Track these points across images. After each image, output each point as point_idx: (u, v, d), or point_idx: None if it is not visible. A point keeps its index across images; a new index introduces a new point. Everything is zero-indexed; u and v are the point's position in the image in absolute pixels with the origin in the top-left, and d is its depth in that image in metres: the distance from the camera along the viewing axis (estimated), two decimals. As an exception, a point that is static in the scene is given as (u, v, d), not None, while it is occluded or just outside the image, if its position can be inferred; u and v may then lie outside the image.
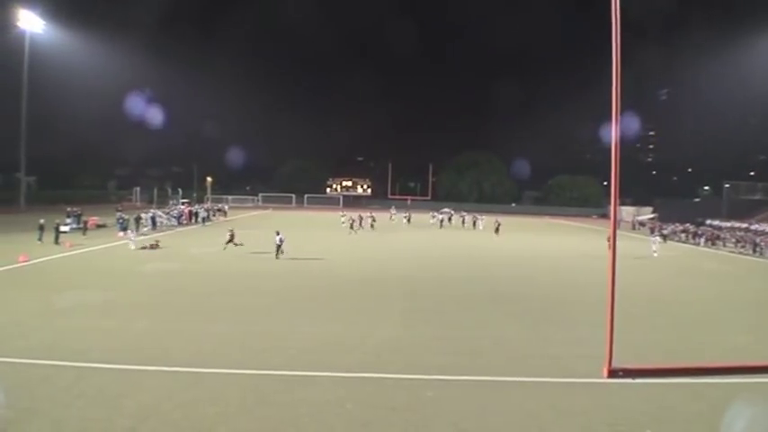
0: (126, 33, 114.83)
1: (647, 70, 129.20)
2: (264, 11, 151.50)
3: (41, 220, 45.34)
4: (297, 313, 23.63)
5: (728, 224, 74.82)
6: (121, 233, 50.83)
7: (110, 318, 21.54)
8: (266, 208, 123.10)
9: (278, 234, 40.25)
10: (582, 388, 15.47)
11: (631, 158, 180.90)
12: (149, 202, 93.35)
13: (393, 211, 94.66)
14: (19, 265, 33.31)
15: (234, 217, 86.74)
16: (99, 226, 57.86)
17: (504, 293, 29.53)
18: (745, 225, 70.95)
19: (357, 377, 15.76)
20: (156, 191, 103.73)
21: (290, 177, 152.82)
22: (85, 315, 21.87)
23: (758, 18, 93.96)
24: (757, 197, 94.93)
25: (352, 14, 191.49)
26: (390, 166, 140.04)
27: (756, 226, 69.63)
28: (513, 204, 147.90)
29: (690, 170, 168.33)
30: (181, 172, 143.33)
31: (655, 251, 48.96)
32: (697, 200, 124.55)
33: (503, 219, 79.83)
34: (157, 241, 44.66)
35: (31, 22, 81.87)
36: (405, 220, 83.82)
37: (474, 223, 79.99)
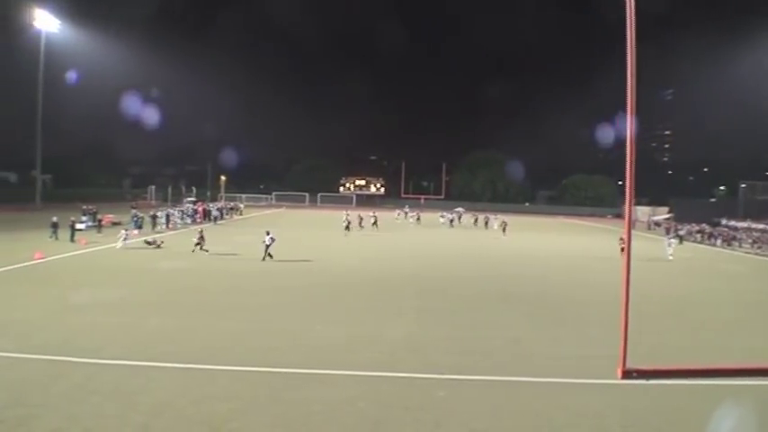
0: (140, 32, 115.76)
1: (662, 68, 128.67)
2: (277, 10, 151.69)
3: (54, 218, 45.54)
4: (309, 311, 23.69)
5: (745, 224, 74.18)
6: (136, 231, 51.09)
7: (123, 314, 21.70)
8: (279, 207, 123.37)
9: (267, 234, 38.27)
10: (595, 389, 15.40)
11: (647, 158, 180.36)
12: (164, 201, 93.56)
13: (407, 209, 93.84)
14: (34, 262, 33.59)
15: (248, 215, 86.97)
16: (114, 224, 58.18)
17: (515, 293, 29.49)
18: (761, 225, 70.38)
19: (370, 376, 15.77)
20: (170, 189, 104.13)
21: (303, 176, 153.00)
22: (99, 312, 22.01)
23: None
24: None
25: (365, 13, 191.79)
26: (404, 165, 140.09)
27: (773, 226, 69.11)
28: (527, 204, 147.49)
29: (706, 170, 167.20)
30: (195, 171, 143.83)
31: (670, 254, 47.45)
32: (713, 200, 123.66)
33: (516, 219, 79.87)
34: (162, 241, 44.37)
35: (46, 22, 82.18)
36: (413, 220, 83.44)
37: (486, 223, 79.13)
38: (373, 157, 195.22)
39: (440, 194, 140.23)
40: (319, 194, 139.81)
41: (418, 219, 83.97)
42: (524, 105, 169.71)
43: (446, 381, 15.64)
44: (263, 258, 37.01)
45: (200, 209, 74.38)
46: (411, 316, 23.49)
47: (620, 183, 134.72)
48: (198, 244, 40.11)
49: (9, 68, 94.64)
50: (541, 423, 13.23)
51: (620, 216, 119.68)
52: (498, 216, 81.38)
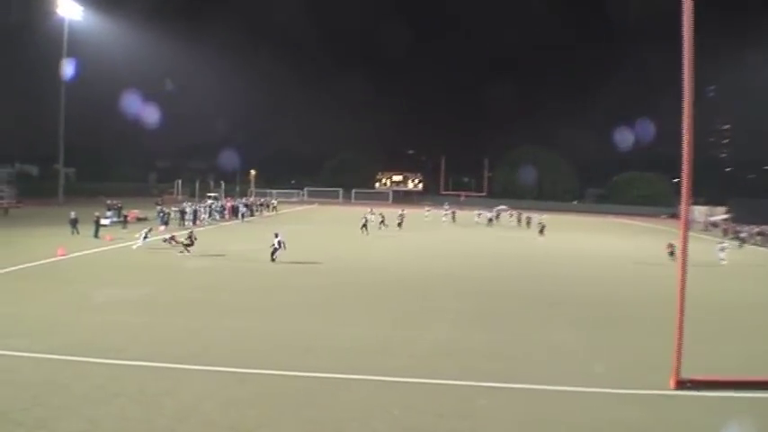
0: (166, 19, 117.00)
1: (722, 57, 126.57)
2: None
3: (72, 214, 46.11)
4: (339, 312, 23.89)
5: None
6: (162, 227, 51.65)
7: (147, 314, 22.05)
8: (312, 203, 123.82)
9: (276, 236, 37.20)
10: (645, 401, 15.19)
11: (704, 154, 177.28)
12: (191, 196, 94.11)
13: (446, 206, 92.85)
14: (57, 258, 34.19)
15: (279, 212, 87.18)
16: (140, 219, 58.94)
17: (558, 297, 29.33)
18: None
19: (405, 382, 15.81)
20: (197, 184, 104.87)
21: (336, 171, 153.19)
22: (123, 310, 22.39)
23: None
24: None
25: (405, 3, 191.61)
26: (443, 160, 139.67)
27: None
28: (575, 202, 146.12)
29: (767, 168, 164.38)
30: (224, 164, 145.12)
31: (722, 259, 45.48)
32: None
33: (562, 218, 78.82)
34: (190, 240, 41.65)
35: (69, 9, 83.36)
36: (447, 218, 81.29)
37: (528, 222, 76.85)
38: (411, 152, 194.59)
39: (481, 191, 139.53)
40: (354, 190, 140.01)
41: (453, 217, 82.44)
42: (573, 97, 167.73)
43: (485, 388, 15.60)
44: (272, 259, 36.18)
45: (228, 205, 74.67)
46: (447, 318, 23.51)
47: (675, 180, 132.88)
48: (187, 245, 38.38)
49: (31, 58, 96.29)
50: (587, 436, 13.15)
51: (675, 216, 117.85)
52: (545, 216, 79.49)
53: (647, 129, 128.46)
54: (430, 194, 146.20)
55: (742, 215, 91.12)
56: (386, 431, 12.82)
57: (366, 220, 58.47)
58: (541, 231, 62.81)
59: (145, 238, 40.88)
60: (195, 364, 16.40)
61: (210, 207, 69.38)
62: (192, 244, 38.64)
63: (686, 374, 15.14)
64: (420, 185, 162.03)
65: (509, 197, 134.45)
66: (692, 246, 16.02)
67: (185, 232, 40.40)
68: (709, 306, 27.87)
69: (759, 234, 68.48)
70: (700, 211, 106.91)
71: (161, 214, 55.91)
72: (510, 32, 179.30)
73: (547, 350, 19.54)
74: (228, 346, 18.43)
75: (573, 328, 22.91)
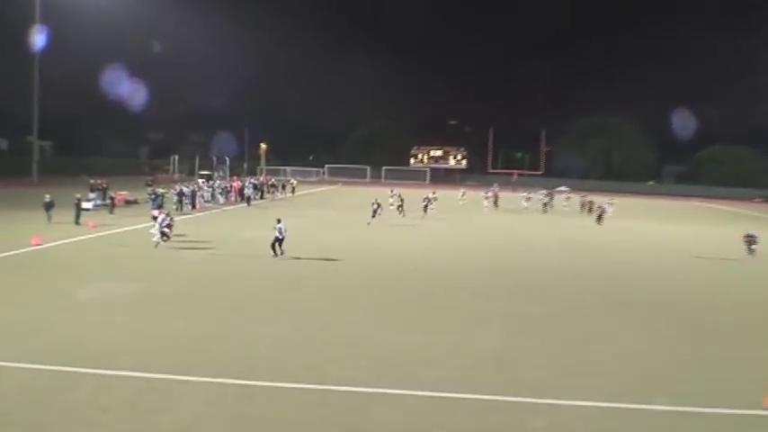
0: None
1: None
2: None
3: (47, 197, 45.92)
4: (367, 314, 23.97)
5: None
6: (156, 212, 51.92)
7: (141, 314, 22.20)
8: (334, 183, 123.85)
9: (279, 222, 35.40)
10: (735, 421, 15.12)
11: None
12: (189, 174, 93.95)
13: (495, 188, 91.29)
14: (31, 249, 34.51)
15: (304, 192, 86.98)
16: (128, 202, 59.30)
17: (625, 297, 29.25)
18: None
19: (445, 397, 15.77)
20: (197, 160, 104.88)
21: (364, 145, 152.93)
22: (111, 310, 22.58)
23: None
24: None
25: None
26: (491, 131, 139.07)
27: None
28: (651, 183, 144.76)
29: None
30: (229, 137, 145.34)
31: None
32: None
33: (634, 202, 77.44)
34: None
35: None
36: (489, 202, 77.61)
37: (589, 208, 73.45)
38: (453, 122, 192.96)
39: (537, 169, 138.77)
40: (384, 168, 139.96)
41: (495, 201, 78.96)
42: (647, 55, 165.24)
43: (543, 406, 15.50)
44: (275, 254, 34.73)
45: (235, 185, 74.76)
46: (495, 322, 23.48)
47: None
48: (163, 234, 36.78)
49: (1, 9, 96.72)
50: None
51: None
52: (615, 201, 78.09)
53: (740, 95, 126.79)
54: (475, 173, 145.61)
55: None
56: (423, 456, 12.84)
57: (378, 207, 54.54)
58: (599, 218, 61.81)
59: (164, 225, 37.79)
60: (195, 375, 16.45)
61: (213, 188, 69.49)
62: (169, 228, 37.25)
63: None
64: (463, 162, 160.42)
65: (571, 177, 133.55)
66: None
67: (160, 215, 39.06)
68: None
69: None
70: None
71: (153, 196, 55.89)
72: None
73: (615, 359, 19.45)
74: (234, 353, 18.49)
75: (645, 333, 22.75)
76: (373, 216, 53.75)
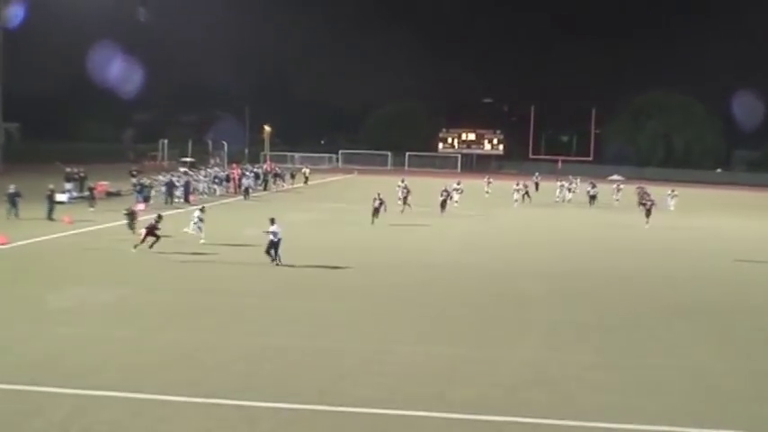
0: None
1: None
2: None
3: (11, 187, 45.73)
4: (384, 323, 23.92)
5: None
6: (142, 205, 51.97)
7: (125, 325, 22.17)
8: (350, 171, 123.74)
9: (272, 224, 33.75)
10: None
11: None
12: (193, 161, 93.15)
13: (537, 176, 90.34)
14: (-6, 249, 34.68)
15: (299, 185, 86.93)
16: (110, 194, 59.34)
17: (690, 304, 29.14)
18: None
19: (480, 420, 15.64)
20: (190, 145, 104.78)
21: (384, 127, 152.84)
22: (92, 321, 22.60)
23: None
24: None
25: None
26: (533, 111, 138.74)
27: None
28: (719, 170, 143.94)
29: None
30: (228, 118, 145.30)
31: None
32: None
33: (699, 193, 76.55)
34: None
35: None
36: (519, 195, 73.87)
37: (641, 201, 67.45)
38: (488, 100, 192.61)
39: (587, 155, 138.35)
40: (407, 154, 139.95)
41: (526, 194, 75.85)
42: (715, 20, 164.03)
43: (596, 430, 15.39)
44: (274, 261, 33.29)
45: (234, 174, 74.80)
46: (539, 333, 23.44)
47: None
48: (151, 234, 35.14)
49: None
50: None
51: None
52: (676, 192, 75.93)
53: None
54: (513, 160, 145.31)
55: None
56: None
57: (381, 204, 52.03)
58: (648, 212, 58.77)
59: (199, 219, 38.89)
60: (189, 395, 16.35)
61: (210, 178, 69.47)
62: (156, 231, 35.41)
63: None
64: (500, 147, 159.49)
65: (625, 163, 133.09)
66: None
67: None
68: None
69: None
70: None
71: (138, 188, 55.77)
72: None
73: (680, 376, 19.27)
74: (233, 369, 18.42)
75: (714, 346, 22.67)
76: (375, 215, 51.30)
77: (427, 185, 70.47)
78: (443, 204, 60.52)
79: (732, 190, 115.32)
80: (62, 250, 35.41)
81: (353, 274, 32.83)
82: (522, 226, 55.95)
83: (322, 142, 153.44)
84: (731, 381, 19.14)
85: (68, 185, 56.18)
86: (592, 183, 79.67)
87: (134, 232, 37.78)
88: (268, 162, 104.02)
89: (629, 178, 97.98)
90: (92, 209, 50.78)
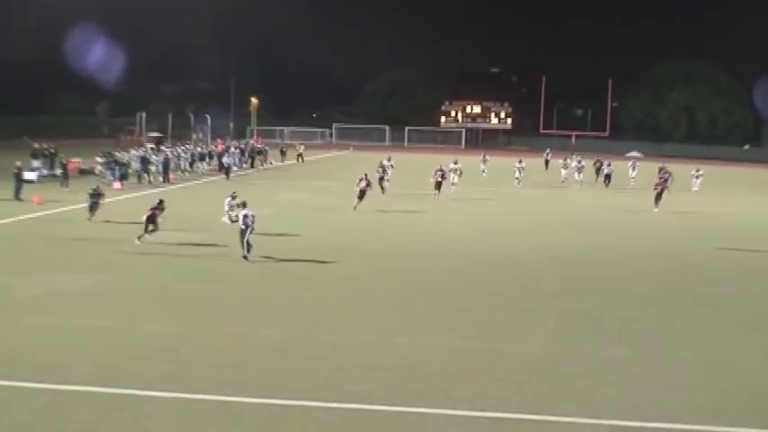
0: None
1: None
2: None
3: None
4: (384, 312, 23.98)
5: None
6: (118, 184, 51.86)
7: (100, 314, 22.17)
8: (344, 147, 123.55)
9: (243, 207, 32.30)
10: None
11: None
12: (160, 136, 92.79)
13: (548, 153, 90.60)
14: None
15: (288, 162, 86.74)
16: (82, 171, 59.19)
17: (718, 293, 29.22)
18: None
19: (484, 417, 15.68)
20: (170, 118, 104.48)
21: (382, 100, 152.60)
22: (64, 309, 22.63)
23: None
24: None
25: None
26: (544, 81, 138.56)
27: None
28: (747, 147, 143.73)
29: None
30: (211, 89, 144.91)
31: None
32: None
33: (725, 171, 76.15)
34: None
35: None
36: (520, 174, 72.75)
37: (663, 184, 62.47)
38: (495, 70, 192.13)
39: (602, 130, 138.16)
40: (407, 128, 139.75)
41: (520, 173, 73.28)
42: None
43: (612, 429, 15.39)
44: (245, 253, 31.43)
45: (219, 149, 74.63)
46: (552, 324, 23.46)
47: None
48: (150, 223, 33.70)
49: None
50: None
51: None
52: (701, 170, 75.16)
53: None
54: (523, 135, 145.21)
55: None
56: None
57: (367, 185, 50.32)
58: (659, 196, 56.91)
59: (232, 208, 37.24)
60: (170, 390, 16.31)
61: (193, 153, 69.30)
62: (154, 222, 33.86)
63: None
64: (508, 121, 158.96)
65: (645, 139, 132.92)
66: None
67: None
68: None
69: None
70: None
71: (111, 166, 55.63)
72: None
73: (709, 371, 19.32)
74: (219, 362, 18.42)
75: (746, 340, 22.63)
76: (360, 198, 49.52)
77: (426, 164, 69.40)
78: (438, 186, 59.16)
79: (761, 168, 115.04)
80: (31, 233, 35.39)
81: (346, 260, 32.75)
82: (526, 209, 55.80)
83: (314, 115, 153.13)
84: (764, 376, 19.20)
85: (37, 163, 56.04)
86: (599, 161, 79.73)
87: (90, 219, 37.91)
88: (256, 137, 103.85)
89: (647, 155, 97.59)
90: (66, 189, 50.51)
